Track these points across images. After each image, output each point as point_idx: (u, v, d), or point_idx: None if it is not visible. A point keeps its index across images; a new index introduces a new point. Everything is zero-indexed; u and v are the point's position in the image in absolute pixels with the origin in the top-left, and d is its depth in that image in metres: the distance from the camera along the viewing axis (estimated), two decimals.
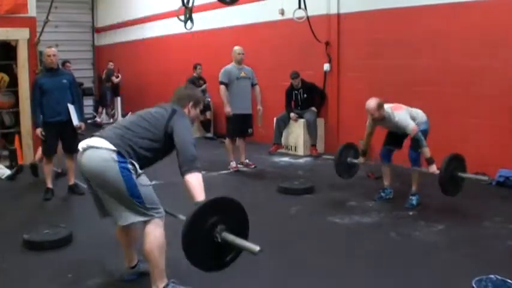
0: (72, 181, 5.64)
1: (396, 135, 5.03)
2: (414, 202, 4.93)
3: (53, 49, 5.48)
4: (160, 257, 2.91)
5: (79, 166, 2.99)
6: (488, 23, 5.86)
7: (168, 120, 3.00)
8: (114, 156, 2.82)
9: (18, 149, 7.25)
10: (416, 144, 4.77)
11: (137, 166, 2.88)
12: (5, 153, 7.34)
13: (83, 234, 4.15)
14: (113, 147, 2.84)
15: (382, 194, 5.22)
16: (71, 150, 5.56)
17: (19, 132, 7.37)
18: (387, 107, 4.81)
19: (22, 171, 6.61)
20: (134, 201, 2.83)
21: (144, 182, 2.90)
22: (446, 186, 4.60)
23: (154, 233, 2.89)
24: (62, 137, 5.48)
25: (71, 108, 5.41)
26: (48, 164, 5.53)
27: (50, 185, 5.52)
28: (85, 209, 5.16)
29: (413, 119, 4.79)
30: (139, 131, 2.97)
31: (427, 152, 4.65)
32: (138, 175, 2.87)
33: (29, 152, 7.31)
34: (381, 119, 4.81)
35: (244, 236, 2.75)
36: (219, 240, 2.60)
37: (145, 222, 2.91)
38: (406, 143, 5.09)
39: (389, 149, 5.12)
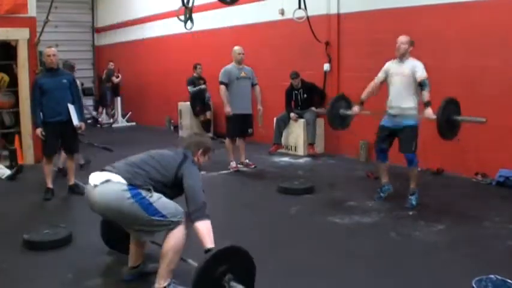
0: (72, 181, 5.64)
1: (387, 131, 5.00)
2: (413, 202, 4.93)
3: (53, 49, 5.49)
4: (174, 258, 2.97)
5: (90, 202, 3.06)
6: (488, 23, 5.86)
7: (179, 165, 3.06)
8: (125, 187, 2.89)
9: (18, 149, 7.26)
10: (409, 135, 4.83)
11: (151, 188, 2.94)
12: (5, 153, 7.34)
13: (83, 234, 4.15)
14: (123, 181, 2.92)
15: (381, 193, 5.22)
16: (71, 150, 5.56)
17: (19, 132, 7.37)
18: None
19: (22, 171, 6.61)
20: (157, 218, 2.90)
21: (155, 196, 2.95)
22: (444, 129, 4.61)
23: (177, 235, 2.96)
24: (62, 137, 5.47)
25: (71, 108, 5.41)
26: (48, 164, 5.53)
27: (50, 185, 5.52)
28: (85, 209, 5.14)
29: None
30: (149, 170, 3.03)
31: (427, 96, 4.71)
32: (152, 195, 2.93)
33: (29, 152, 7.32)
34: (401, 57, 4.87)
35: (252, 284, 2.85)
36: None
37: (171, 229, 2.98)
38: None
39: (385, 147, 5.10)
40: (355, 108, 5.22)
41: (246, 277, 2.81)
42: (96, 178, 2.98)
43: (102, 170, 3.04)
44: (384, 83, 5.10)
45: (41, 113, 5.37)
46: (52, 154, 5.50)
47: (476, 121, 4.70)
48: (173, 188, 3.06)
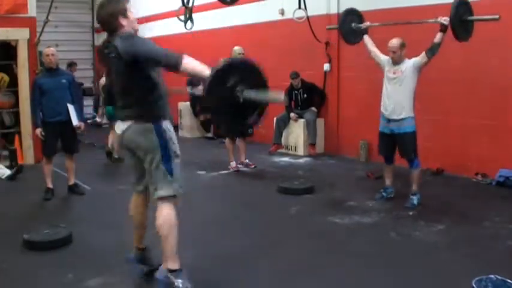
0: (72, 181, 5.64)
1: (387, 138, 5.01)
2: (415, 201, 4.93)
3: (52, 49, 5.49)
4: (171, 232, 2.95)
5: (121, 145, 3.11)
6: (488, 23, 5.85)
7: (119, 56, 2.80)
8: (149, 125, 2.92)
9: (18, 149, 7.26)
10: (409, 142, 4.87)
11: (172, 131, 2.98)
12: (5, 153, 7.34)
13: (83, 234, 4.15)
14: (144, 119, 2.94)
15: (384, 193, 5.22)
16: (71, 150, 5.56)
17: (19, 132, 7.37)
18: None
19: (22, 171, 6.61)
20: (164, 167, 2.93)
21: (178, 160, 3.00)
22: (458, 30, 4.65)
23: (167, 212, 2.95)
24: (61, 137, 5.48)
25: (71, 108, 5.41)
26: (48, 164, 5.53)
27: (50, 185, 5.52)
28: (85, 209, 5.18)
29: None
30: (124, 87, 2.97)
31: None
32: (177, 155, 2.98)
33: (29, 152, 7.32)
34: (396, 62, 4.88)
35: (265, 89, 2.79)
36: (241, 100, 2.65)
37: (162, 200, 2.97)
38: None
39: (390, 153, 5.12)
40: (367, 23, 5.33)
41: (256, 85, 2.75)
42: (120, 127, 3.03)
43: (120, 119, 3.03)
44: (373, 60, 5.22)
45: (40, 113, 5.37)
46: (52, 154, 5.50)
47: (489, 19, 4.68)
48: (144, 74, 2.87)
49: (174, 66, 2.76)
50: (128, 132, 2.99)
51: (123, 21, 2.91)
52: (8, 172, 6.57)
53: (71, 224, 4.35)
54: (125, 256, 3.36)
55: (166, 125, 3.00)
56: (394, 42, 4.90)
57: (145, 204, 3.26)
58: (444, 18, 4.65)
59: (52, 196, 5.47)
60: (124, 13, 2.93)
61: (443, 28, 4.69)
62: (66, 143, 5.51)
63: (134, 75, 2.88)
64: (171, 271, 2.97)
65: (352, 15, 5.44)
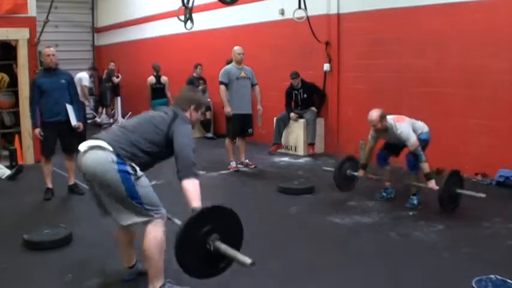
0: (72, 181, 5.64)
1: (395, 144, 5.04)
2: (415, 201, 4.93)
3: (52, 49, 5.48)
4: (158, 256, 2.92)
5: (79, 166, 2.99)
6: (488, 23, 5.86)
7: (170, 124, 3.01)
8: (114, 157, 2.84)
9: (18, 149, 7.26)
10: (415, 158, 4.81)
11: (137, 168, 2.89)
12: (5, 153, 7.35)
13: (83, 234, 4.15)
14: (112, 149, 2.86)
15: (384, 193, 5.22)
16: (70, 150, 5.56)
17: (19, 132, 7.38)
18: (390, 118, 4.81)
19: (22, 171, 6.61)
20: (134, 202, 2.84)
21: (143, 183, 2.91)
22: (446, 202, 4.64)
23: (154, 233, 2.90)
24: (60, 137, 5.48)
25: (69, 109, 5.41)
26: (47, 164, 5.53)
27: (49, 185, 5.52)
28: (85, 209, 5.16)
29: (414, 130, 4.81)
30: (141, 132, 2.99)
31: (426, 167, 4.68)
32: (138, 177, 2.88)
33: (29, 152, 7.32)
34: (384, 130, 4.81)
35: (238, 246, 2.75)
36: (212, 249, 2.61)
37: (146, 222, 2.92)
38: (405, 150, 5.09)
39: (387, 154, 5.14)
40: (360, 173, 5.22)
41: (232, 238, 2.71)
42: (86, 144, 2.94)
43: (93, 137, 2.99)
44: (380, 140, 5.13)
45: (39, 113, 5.37)
46: (50, 154, 5.50)
47: (475, 195, 4.64)
48: (166, 147, 3.00)
49: (179, 173, 2.86)
50: (90, 154, 2.90)
51: (193, 112, 3.21)
52: (8, 172, 6.57)
53: (71, 224, 4.35)
54: (123, 279, 3.33)
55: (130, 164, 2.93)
56: (373, 116, 4.73)
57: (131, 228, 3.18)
58: (435, 185, 4.64)
59: (52, 196, 5.47)
60: (197, 108, 3.23)
61: (428, 178, 4.70)
62: (65, 143, 5.51)
63: (159, 136, 3.00)
64: None
65: (349, 161, 5.41)
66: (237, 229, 2.79)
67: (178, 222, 2.78)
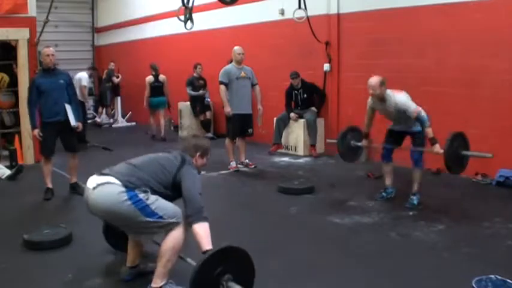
0: (74, 179, 5.64)
1: (396, 134, 5.03)
2: (415, 201, 4.93)
3: (51, 49, 5.47)
4: (172, 257, 2.96)
5: (88, 205, 3.06)
6: (488, 23, 5.86)
7: (178, 169, 3.08)
8: (122, 189, 2.90)
9: (18, 149, 7.26)
10: (419, 141, 4.83)
11: (148, 190, 2.95)
12: (5, 153, 7.35)
13: (83, 234, 4.15)
14: (119, 182, 2.92)
15: (384, 193, 5.22)
16: (72, 149, 5.57)
17: (19, 132, 7.37)
18: (388, 90, 4.80)
19: (22, 171, 6.61)
20: (154, 220, 2.90)
21: (154, 198, 2.96)
22: (451, 164, 4.57)
23: (176, 235, 2.95)
24: (61, 137, 5.48)
25: (68, 109, 5.41)
26: (47, 164, 5.53)
27: (49, 185, 5.52)
28: (85, 209, 5.15)
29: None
30: (148, 171, 3.05)
31: (430, 132, 4.62)
32: (148, 197, 2.93)
33: (29, 152, 7.32)
34: (381, 99, 4.79)
35: (251, 285, 2.85)
36: None
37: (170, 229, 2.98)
38: (406, 143, 5.10)
39: (390, 148, 5.13)
40: (364, 142, 5.22)
41: (244, 278, 2.80)
42: (93, 181, 3.00)
43: (101, 173, 3.05)
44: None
45: (37, 113, 5.38)
46: (50, 154, 5.50)
47: (482, 156, 4.62)
48: (173, 190, 3.07)
49: (189, 217, 2.89)
50: (101, 192, 2.96)
51: (198, 158, 3.28)
52: (8, 172, 6.57)
53: (71, 224, 4.35)
54: (123, 279, 3.33)
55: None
56: (373, 81, 4.74)
57: None
58: (439, 149, 4.57)
59: (52, 196, 5.47)
60: (202, 155, 3.30)
61: (433, 142, 4.62)
62: (66, 142, 5.52)
63: (166, 178, 3.06)
64: None
65: (352, 132, 5.37)
66: (249, 268, 2.87)
67: (191, 262, 2.87)
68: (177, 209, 3.00)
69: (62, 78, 5.49)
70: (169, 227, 2.95)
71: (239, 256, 2.84)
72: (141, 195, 2.91)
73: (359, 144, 5.28)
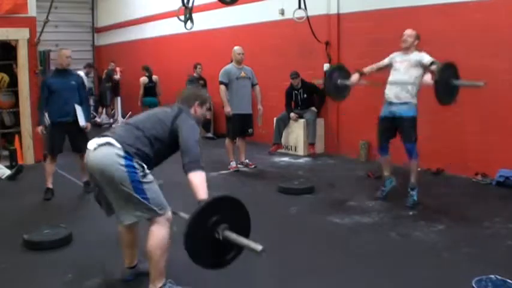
0: (84, 178, 5.65)
1: (387, 122, 5.01)
2: (415, 197, 4.90)
3: (69, 50, 5.61)
4: (161, 257, 2.92)
5: (86, 164, 3.03)
6: (488, 23, 5.86)
7: (174, 118, 3.04)
8: (121, 153, 2.86)
9: (18, 149, 7.26)
10: (408, 131, 4.87)
11: (144, 166, 2.91)
12: (5, 153, 7.35)
13: (83, 234, 4.15)
14: (119, 145, 2.89)
15: (383, 188, 5.21)
16: (81, 149, 5.59)
17: (19, 132, 7.38)
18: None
19: (22, 171, 6.61)
20: (140, 198, 2.85)
21: (149, 179, 2.93)
22: (442, 94, 4.59)
23: (158, 233, 2.91)
24: (70, 137, 5.54)
25: (78, 109, 5.47)
26: (52, 163, 5.56)
27: (50, 185, 5.53)
28: (85, 209, 5.17)
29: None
30: (146, 128, 3.01)
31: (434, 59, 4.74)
32: (144, 174, 2.90)
33: (29, 152, 7.32)
34: (407, 50, 4.93)
35: (246, 235, 2.76)
36: (221, 238, 2.62)
37: (151, 221, 2.93)
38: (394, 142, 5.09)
39: (386, 141, 5.11)
40: (354, 78, 5.22)
41: (240, 227, 2.72)
42: (94, 142, 2.96)
43: (102, 135, 3.02)
44: (386, 70, 5.15)
45: (46, 113, 5.48)
46: (57, 153, 5.56)
47: (474, 85, 4.63)
48: (170, 144, 3.02)
49: (185, 166, 2.86)
50: (98, 154, 2.90)
51: (197, 107, 3.24)
52: (8, 172, 6.57)
53: (71, 224, 4.35)
54: (123, 279, 3.33)
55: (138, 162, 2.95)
56: (409, 30, 5.00)
57: (134, 228, 3.20)
58: (430, 79, 4.67)
59: (52, 196, 5.48)
60: (201, 104, 3.27)
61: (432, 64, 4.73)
62: (75, 142, 5.55)
63: (164, 131, 3.02)
64: None
65: (338, 71, 5.40)
66: (245, 219, 2.81)
67: (185, 215, 2.78)
68: (165, 202, 2.96)
69: (73, 79, 5.56)
70: (150, 214, 2.89)
71: (235, 206, 2.77)
72: (138, 168, 2.86)
73: (346, 82, 5.28)
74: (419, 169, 5.23)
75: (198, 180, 2.82)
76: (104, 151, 2.90)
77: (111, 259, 3.59)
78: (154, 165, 3.09)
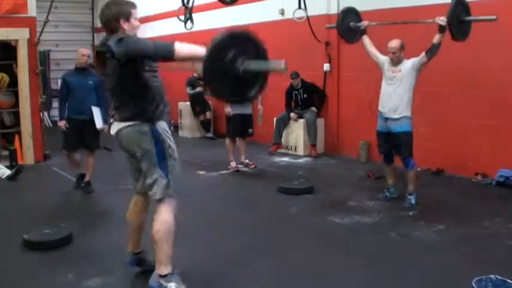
0: (87, 177, 5.67)
1: (384, 136, 5.03)
2: (413, 201, 4.92)
3: (88, 50, 5.75)
4: (167, 239, 2.93)
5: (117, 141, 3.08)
6: (488, 23, 5.85)
7: (112, 55, 2.78)
8: (148, 131, 2.91)
9: (18, 149, 7.26)
10: (406, 145, 4.86)
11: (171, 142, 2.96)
12: (5, 153, 7.34)
13: (83, 234, 4.15)
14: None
15: (387, 193, 5.21)
16: (91, 147, 5.63)
17: (19, 132, 7.37)
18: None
19: (22, 171, 6.60)
20: (160, 171, 2.91)
21: (174, 157, 2.98)
22: (455, 30, 4.68)
23: (165, 216, 2.93)
24: (83, 135, 5.58)
25: (95, 111, 5.54)
26: (72, 155, 5.65)
27: (81, 171, 5.70)
28: (85, 209, 5.18)
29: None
30: (115, 91, 2.99)
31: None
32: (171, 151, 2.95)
33: (29, 152, 7.31)
34: (397, 63, 4.92)
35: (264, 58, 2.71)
36: (241, 71, 2.57)
37: (159, 202, 2.95)
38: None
39: (385, 154, 5.13)
40: (365, 22, 5.33)
41: (257, 58, 2.66)
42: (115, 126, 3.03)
43: (116, 120, 3.05)
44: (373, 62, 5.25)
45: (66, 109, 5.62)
46: (73, 149, 5.65)
47: (487, 19, 4.69)
48: (136, 74, 2.86)
49: (167, 55, 2.71)
50: (123, 133, 2.98)
51: (124, 25, 2.90)
52: (8, 172, 6.57)
53: (71, 224, 4.35)
54: (124, 262, 3.34)
55: (162, 126, 2.98)
56: (394, 43, 4.93)
57: (146, 205, 3.24)
58: (441, 18, 4.65)
59: (82, 181, 5.64)
60: (127, 17, 2.92)
61: (441, 29, 4.69)
62: (87, 141, 5.60)
63: (127, 76, 2.86)
64: (162, 276, 2.95)
65: (351, 14, 5.47)
66: (258, 46, 2.71)
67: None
68: (179, 188, 2.99)
69: (91, 79, 5.62)
70: (162, 193, 2.91)
71: (246, 39, 2.71)
72: (165, 145, 2.93)
73: (359, 24, 5.35)
74: (419, 169, 5.23)
75: (184, 48, 2.73)
76: (127, 130, 2.95)
77: (111, 259, 3.59)
78: (159, 103, 2.99)
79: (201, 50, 2.68)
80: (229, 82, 2.60)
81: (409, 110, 4.90)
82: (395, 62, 4.94)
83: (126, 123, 2.96)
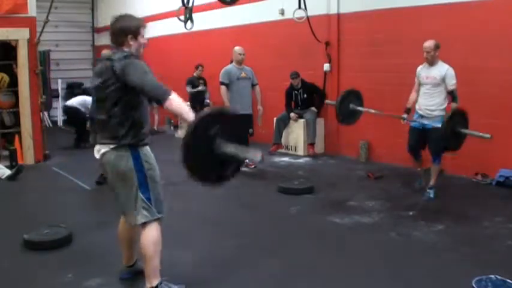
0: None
1: (417, 133, 5.12)
2: (431, 195, 5.04)
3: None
4: (154, 253, 2.94)
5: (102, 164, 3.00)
6: (488, 23, 5.86)
7: (113, 72, 2.76)
8: (129, 154, 2.85)
9: (18, 149, 7.26)
10: (435, 136, 4.91)
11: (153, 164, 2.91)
12: (5, 153, 7.35)
13: (83, 234, 4.15)
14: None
15: (421, 180, 5.39)
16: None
17: (19, 132, 7.37)
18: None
19: (22, 171, 6.60)
20: (142, 196, 2.87)
21: (155, 177, 2.94)
22: (449, 140, 4.74)
23: (151, 231, 2.93)
24: None
25: None
26: None
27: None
28: (85, 209, 5.18)
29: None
30: (103, 109, 2.85)
31: (455, 107, 4.91)
32: (152, 172, 2.90)
33: (29, 152, 7.31)
34: (431, 63, 4.98)
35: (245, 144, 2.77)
36: (219, 152, 2.62)
37: (144, 225, 2.95)
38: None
39: (413, 150, 5.28)
40: (405, 115, 5.33)
41: (237, 140, 2.71)
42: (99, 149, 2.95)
43: (100, 143, 2.94)
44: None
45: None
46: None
47: (481, 136, 4.73)
48: (127, 94, 2.78)
49: (159, 100, 2.71)
50: (106, 157, 2.90)
51: (131, 41, 2.90)
52: (8, 172, 6.57)
53: (71, 224, 4.35)
54: (119, 277, 3.34)
55: (144, 150, 2.93)
56: (429, 42, 5.04)
57: (134, 227, 3.17)
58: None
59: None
60: (135, 34, 2.92)
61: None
62: None
63: (122, 90, 2.79)
64: (154, 287, 2.98)
65: (352, 95, 5.49)
66: (242, 133, 2.81)
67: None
68: (163, 207, 2.97)
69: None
70: (145, 217, 2.88)
71: (231, 120, 2.76)
72: (146, 166, 2.87)
73: (360, 108, 5.38)
74: (419, 169, 5.24)
75: (176, 102, 2.69)
76: (115, 155, 2.86)
77: (111, 259, 3.58)
78: (143, 127, 2.94)
79: (188, 115, 2.70)
80: (207, 159, 2.66)
81: (444, 109, 5.04)
82: (430, 61, 5.02)
83: (108, 147, 2.87)
